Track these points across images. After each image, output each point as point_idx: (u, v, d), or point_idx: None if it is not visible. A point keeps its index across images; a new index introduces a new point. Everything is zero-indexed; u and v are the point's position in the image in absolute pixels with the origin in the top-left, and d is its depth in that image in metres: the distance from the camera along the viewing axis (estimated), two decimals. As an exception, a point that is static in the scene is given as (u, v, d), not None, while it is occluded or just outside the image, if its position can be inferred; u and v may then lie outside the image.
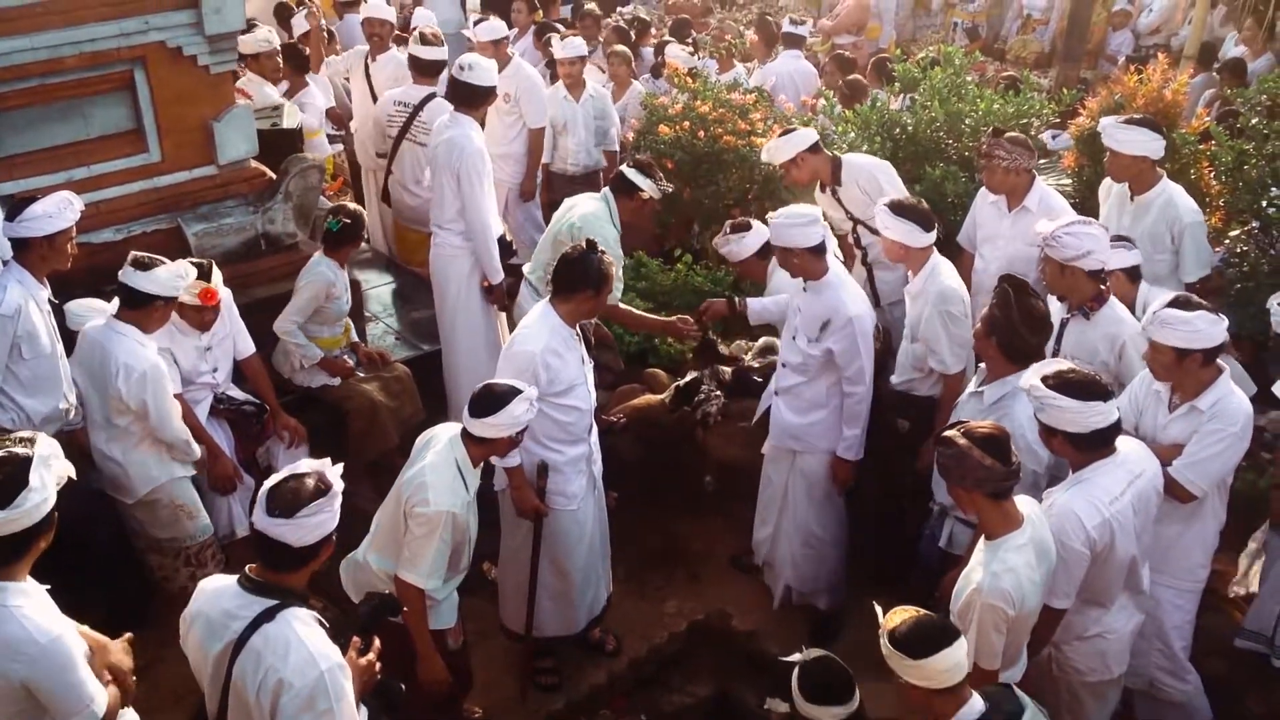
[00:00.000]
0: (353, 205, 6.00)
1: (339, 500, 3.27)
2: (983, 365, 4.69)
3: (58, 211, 4.79)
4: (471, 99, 6.05)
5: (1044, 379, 3.92)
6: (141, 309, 4.82)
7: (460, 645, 4.62)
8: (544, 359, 4.69)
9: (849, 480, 5.32)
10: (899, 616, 3.32)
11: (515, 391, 4.21)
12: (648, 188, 5.80)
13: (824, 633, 5.46)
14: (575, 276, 4.75)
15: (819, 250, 5.07)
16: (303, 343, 5.79)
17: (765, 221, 5.38)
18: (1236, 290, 5.95)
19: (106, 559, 5.00)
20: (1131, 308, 5.03)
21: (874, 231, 6.11)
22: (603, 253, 4.81)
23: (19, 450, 3.20)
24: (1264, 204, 6.00)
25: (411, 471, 4.24)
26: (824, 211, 6.31)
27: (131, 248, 5.74)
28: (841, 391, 5.17)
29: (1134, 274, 5.27)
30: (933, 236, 5.10)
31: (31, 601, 3.19)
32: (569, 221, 5.80)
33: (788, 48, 10.19)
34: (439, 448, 4.26)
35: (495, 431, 4.18)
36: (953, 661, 3.20)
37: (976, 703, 3.23)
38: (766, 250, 5.70)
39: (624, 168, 5.91)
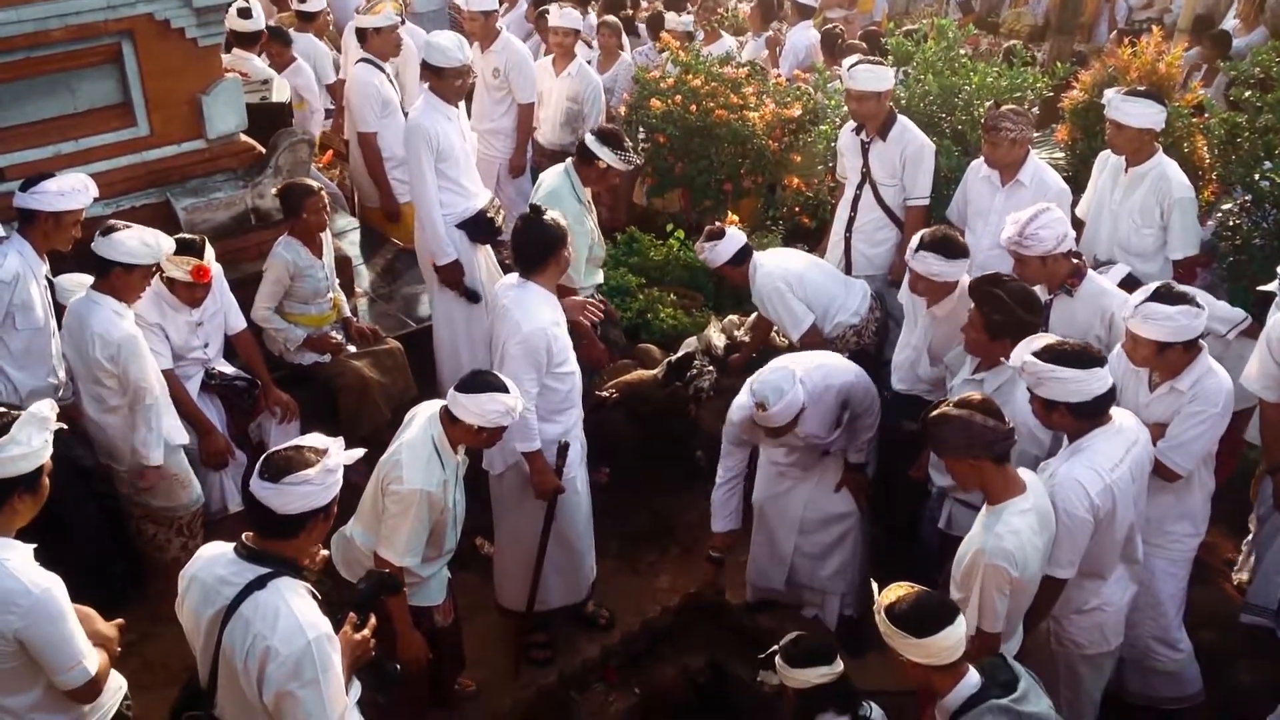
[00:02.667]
0: (303, 180, 5.87)
1: (334, 477, 3.25)
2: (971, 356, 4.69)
3: (71, 192, 4.79)
4: (436, 77, 5.94)
5: (1036, 354, 3.92)
6: (108, 277, 4.77)
7: (450, 622, 4.61)
8: (552, 332, 4.71)
9: (862, 487, 5.19)
10: (897, 593, 3.33)
11: (504, 389, 4.14)
12: (606, 157, 5.71)
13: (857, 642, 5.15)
14: (537, 245, 4.76)
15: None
16: (281, 326, 5.78)
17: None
18: (1229, 264, 5.94)
19: (95, 538, 4.98)
20: None
21: (887, 211, 6.13)
22: (544, 210, 4.82)
23: (11, 411, 3.28)
24: (1256, 177, 5.99)
25: (390, 448, 4.24)
26: (841, 154, 6.32)
27: None
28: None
29: (1130, 284, 5.15)
30: (963, 267, 4.99)
31: (18, 555, 3.23)
32: (532, 203, 5.77)
33: (800, 18, 10.19)
34: (417, 426, 4.25)
35: (463, 413, 4.10)
36: (955, 639, 3.22)
37: (973, 676, 3.25)
38: (743, 256, 5.62)
39: (586, 135, 5.84)
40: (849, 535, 5.26)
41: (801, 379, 4.68)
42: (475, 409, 4.09)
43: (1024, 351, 3.97)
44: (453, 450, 4.23)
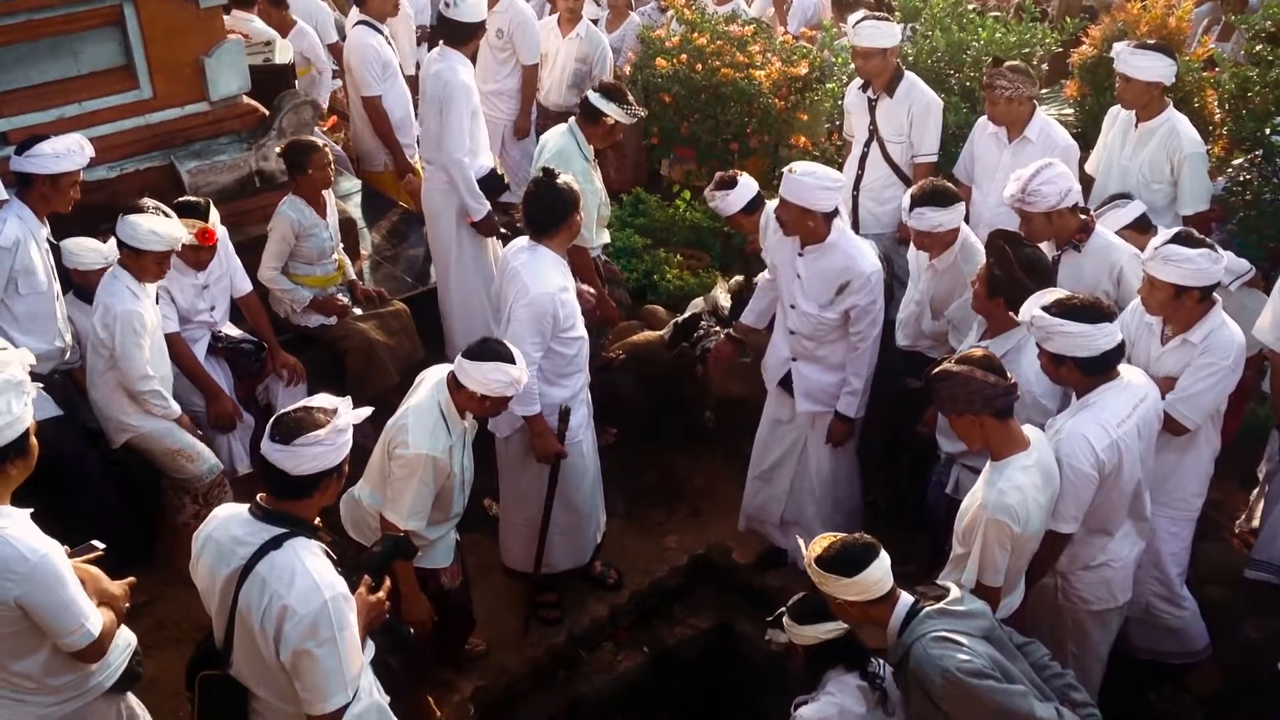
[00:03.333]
0: (308, 137, 5.87)
1: (344, 437, 3.25)
2: (980, 319, 4.66)
3: (66, 153, 4.79)
4: (458, 35, 5.94)
5: (1045, 309, 3.90)
6: (124, 254, 4.79)
7: (459, 584, 4.63)
8: (560, 297, 4.69)
9: (845, 439, 5.23)
10: (822, 544, 3.51)
11: (511, 359, 4.12)
12: (612, 112, 5.66)
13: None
14: (550, 209, 4.73)
15: (833, 215, 4.88)
16: (288, 287, 5.77)
17: (779, 174, 5.21)
18: (1239, 219, 5.90)
19: (99, 497, 5.00)
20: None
21: (894, 169, 6.07)
22: (557, 173, 4.79)
23: None
24: (1267, 131, 5.92)
25: (399, 412, 4.24)
26: (848, 112, 6.28)
27: (125, 186, 5.75)
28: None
29: (1142, 224, 5.18)
30: (959, 211, 4.93)
31: (14, 523, 3.20)
32: (540, 165, 5.73)
33: None
34: (425, 390, 4.25)
35: (468, 380, 4.11)
36: (881, 572, 3.42)
37: (906, 597, 3.46)
38: (755, 204, 5.46)
39: (589, 93, 5.78)
40: (850, 510, 5.37)
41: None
42: (479, 377, 4.09)
43: (1033, 305, 3.96)
44: (459, 416, 4.22)
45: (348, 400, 3.35)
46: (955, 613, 3.37)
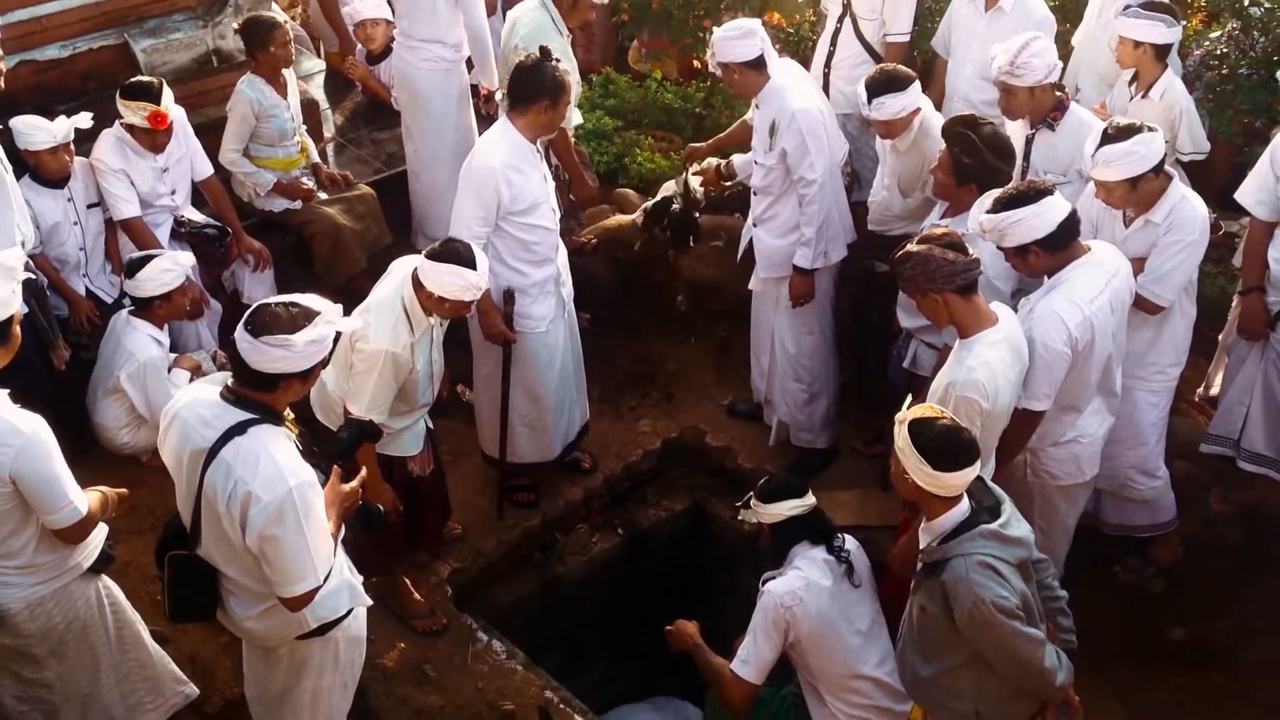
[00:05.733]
0: (264, 14, 5.67)
1: (317, 348, 3.19)
2: (940, 201, 4.63)
3: None
4: None
5: (989, 211, 3.91)
6: (151, 309, 4.92)
7: (430, 472, 4.62)
8: (504, 175, 4.57)
9: (804, 294, 5.17)
10: (926, 415, 3.27)
11: (472, 265, 4.02)
12: None
13: (809, 468, 5.44)
14: (530, 86, 4.59)
15: (757, 64, 4.89)
16: (250, 170, 5.65)
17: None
18: (1215, 94, 5.84)
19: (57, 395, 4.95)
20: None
21: (866, 47, 5.96)
22: (557, 61, 4.65)
23: None
24: (1246, 3, 5.84)
25: (364, 302, 4.17)
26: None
27: (78, 65, 5.60)
28: None
29: (1162, 52, 5.11)
30: (917, 91, 4.83)
31: (3, 397, 3.26)
32: (513, 44, 5.58)
33: None
34: (390, 284, 4.18)
35: (427, 280, 4.02)
36: (968, 479, 3.20)
37: (965, 503, 3.24)
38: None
39: None
40: (813, 386, 5.40)
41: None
42: (437, 279, 4.00)
43: (977, 215, 3.98)
44: (424, 314, 4.14)
45: (338, 308, 3.29)
46: (1005, 538, 3.20)
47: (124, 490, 3.63)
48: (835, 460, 5.59)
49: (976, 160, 4.34)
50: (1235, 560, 4.92)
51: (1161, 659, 4.70)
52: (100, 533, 3.53)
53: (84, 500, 3.34)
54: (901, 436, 3.23)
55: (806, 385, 5.42)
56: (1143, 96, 5.16)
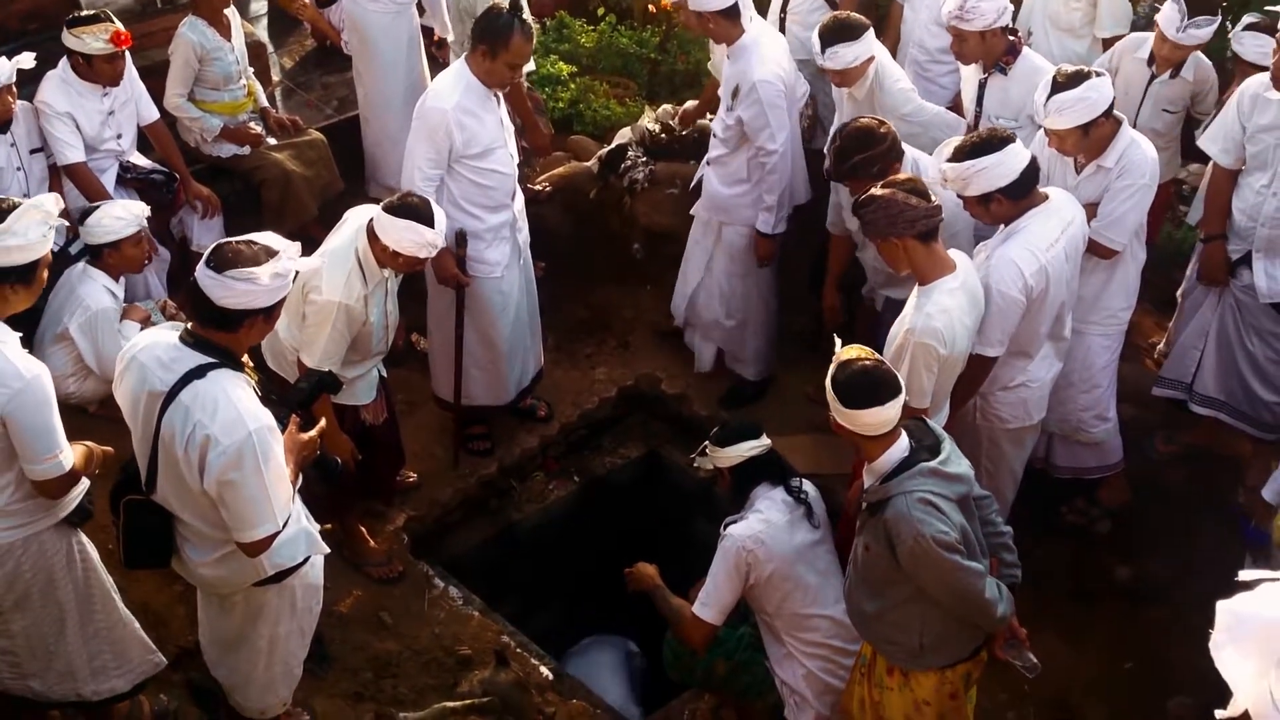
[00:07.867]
0: None
1: (281, 282, 3.17)
2: None
3: None
4: None
5: (950, 160, 3.92)
6: (101, 258, 4.81)
7: (383, 421, 4.60)
8: (456, 117, 4.53)
9: (769, 257, 5.25)
10: (849, 354, 3.30)
11: (429, 222, 3.99)
12: None
13: (740, 397, 5.59)
14: (491, 31, 4.53)
15: (732, 13, 4.87)
16: (196, 115, 5.55)
17: None
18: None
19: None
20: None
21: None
22: (523, 9, 4.58)
23: (14, 200, 3.26)
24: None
25: (317, 251, 4.12)
26: None
27: (19, 6, 5.54)
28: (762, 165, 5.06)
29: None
30: (870, 39, 4.78)
31: (11, 340, 3.23)
32: None
33: None
34: (344, 234, 4.13)
35: (383, 234, 3.98)
36: (885, 417, 3.21)
37: (903, 441, 3.28)
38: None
39: None
40: (743, 322, 5.48)
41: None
42: (394, 234, 3.97)
43: (938, 163, 3.98)
44: (378, 266, 4.09)
45: (297, 246, 3.27)
46: (944, 474, 3.23)
47: (109, 449, 3.57)
48: (771, 396, 5.64)
49: (853, 164, 4.28)
50: (1178, 501, 5.03)
51: (1105, 597, 4.80)
52: (81, 486, 3.47)
53: (70, 458, 3.29)
54: (828, 383, 3.29)
55: (732, 316, 5.51)
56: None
